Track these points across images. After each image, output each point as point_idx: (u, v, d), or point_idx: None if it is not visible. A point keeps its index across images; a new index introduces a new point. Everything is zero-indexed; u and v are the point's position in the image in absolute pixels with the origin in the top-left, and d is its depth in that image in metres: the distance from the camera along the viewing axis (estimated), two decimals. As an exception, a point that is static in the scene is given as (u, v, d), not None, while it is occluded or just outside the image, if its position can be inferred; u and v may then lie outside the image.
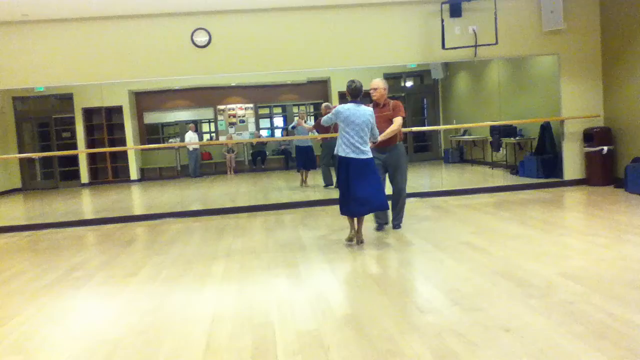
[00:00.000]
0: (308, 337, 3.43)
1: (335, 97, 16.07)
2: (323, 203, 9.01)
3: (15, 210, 11.54)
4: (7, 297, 4.82)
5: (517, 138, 11.19)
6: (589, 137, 9.10)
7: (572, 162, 9.40)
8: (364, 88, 5.87)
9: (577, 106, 9.25)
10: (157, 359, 3.27)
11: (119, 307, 4.40)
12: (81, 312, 4.39)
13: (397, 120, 6.20)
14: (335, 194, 7.99)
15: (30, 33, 8.63)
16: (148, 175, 16.48)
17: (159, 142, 17.07)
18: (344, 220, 7.57)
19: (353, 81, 5.79)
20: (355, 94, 5.77)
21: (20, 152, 15.26)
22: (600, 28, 9.18)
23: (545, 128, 10.12)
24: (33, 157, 14.15)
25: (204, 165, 16.52)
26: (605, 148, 8.91)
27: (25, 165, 15.53)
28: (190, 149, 15.74)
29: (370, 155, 5.67)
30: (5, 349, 3.59)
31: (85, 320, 4.17)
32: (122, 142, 15.85)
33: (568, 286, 4.04)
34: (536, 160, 10.02)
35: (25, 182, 15.56)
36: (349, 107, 5.65)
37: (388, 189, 6.40)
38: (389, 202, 6.23)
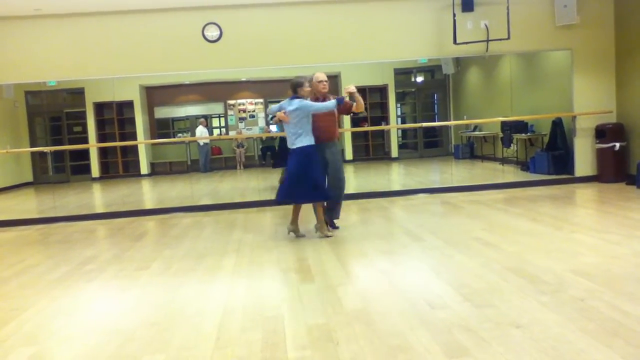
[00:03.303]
0: (317, 331, 3.44)
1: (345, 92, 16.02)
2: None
3: (27, 204, 11.64)
4: (20, 289, 4.87)
5: (528, 134, 11.12)
6: (601, 133, 9.03)
7: (584, 159, 9.33)
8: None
9: (589, 102, 9.18)
10: (168, 350, 3.29)
11: (130, 300, 4.43)
12: (93, 305, 4.42)
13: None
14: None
15: (42, 27, 8.68)
16: (158, 170, 16.55)
17: (170, 137, 17.13)
18: (353, 215, 7.58)
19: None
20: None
21: (32, 146, 15.38)
22: (614, 23, 9.09)
23: (557, 124, 10.05)
24: (45, 150, 14.25)
25: (214, 160, 16.57)
26: (618, 144, 8.84)
27: (37, 159, 15.65)
28: (201, 143, 15.78)
29: None
30: (19, 340, 3.62)
31: (97, 313, 4.20)
32: (133, 136, 15.91)
33: (579, 283, 4.02)
34: (547, 156, 9.95)
35: (37, 176, 15.68)
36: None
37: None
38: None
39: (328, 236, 6.06)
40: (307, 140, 5.90)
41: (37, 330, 3.80)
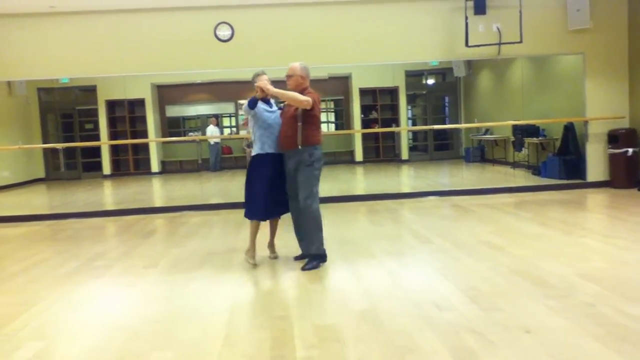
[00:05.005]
0: (325, 331, 3.44)
1: (356, 93, 16.03)
2: (338, 200, 9.00)
3: (38, 200, 11.72)
4: (30, 284, 4.91)
5: (540, 138, 11.06)
6: (614, 138, 8.97)
7: (596, 164, 9.27)
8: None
9: (602, 107, 9.12)
10: (175, 347, 3.31)
11: (138, 297, 4.45)
12: (101, 301, 4.45)
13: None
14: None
15: (56, 25, 8.74)
16: (169, 168, 16.62)
17: (180, 135, 17.19)
18: (362, 216, 7.58)
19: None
20: None
21: (44, 143, 15.50)
22: (627, 28, 9.03)
23: (569, 128, 9.99)
24: (57, 147, 14.31)
25: (224, 159, 16.60)
26: (630, 150, 8.78)
27: (49, 155, 15.75)
28: (212, 142, 15.83)
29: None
30: (28, 334, 3.65)
31: (105, 309, 4.22)
32: (144, 134, 15.98)
33: (588, 288, 3.99)
34: (559, 160, 9.89)
35: (49, 172, 15.79)
36: None
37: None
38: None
39: (250, 263, 5.19)
40: (254, 149, 5.19)
41: (45, 325, 3.83)
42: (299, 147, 4.89)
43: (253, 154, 5.15)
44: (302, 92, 4.96)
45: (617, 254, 4.97)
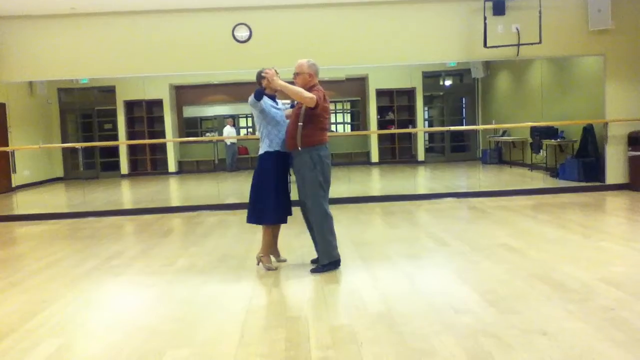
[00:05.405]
0: (341, 332, 3.43)
1: (372, 94, 16.00)
2: (353, 201, 8.99)
3: (57, 198, 11.86)
4: (49, 282, 4.96)
5: (558, 140, 10.95)
6: (634, 140, 8.85)
7: (615, 166, 9.15)
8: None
9: (622, 108, 9.00)
10: (192, 346, 3.32)
11: (155, 296, 4.48)
12: (119, 300, 4.49)
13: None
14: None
15: (76, 26, 8.84)
16: (186, 168, 16.72)
17: (197, 136, 17.28)
18: (378, 218, 7.55)
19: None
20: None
21: (63, 142, 15.68)
22: (649, 29, 8.92)
23: (588, 130, 9.86)
24: (76, 147, 14.51)
25: (240, 160, 16.65)
26: (651, 152, 8.67)
27: (68, 155, 15.95)
28: (228, 143, 15.89)
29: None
30: (47, 331, 3.69)
31: (122, 307, 4.26)
32: (162, 134, 16.10)
33: (608, 292, 3.94)
34: (577, 163, 9.77)
35: (68, 172, 15.97)
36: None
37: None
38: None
39: (270, 269, 5.00)
40: (262, 147, 4.96)
41: (64, 322, 3.87)
42: (299, 148, 4.71)
43: (261, 151, 4.92)
44: (309, 89, 4.73)
45: (637, 257, 4.90)
